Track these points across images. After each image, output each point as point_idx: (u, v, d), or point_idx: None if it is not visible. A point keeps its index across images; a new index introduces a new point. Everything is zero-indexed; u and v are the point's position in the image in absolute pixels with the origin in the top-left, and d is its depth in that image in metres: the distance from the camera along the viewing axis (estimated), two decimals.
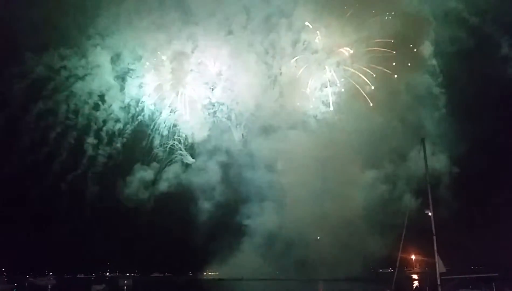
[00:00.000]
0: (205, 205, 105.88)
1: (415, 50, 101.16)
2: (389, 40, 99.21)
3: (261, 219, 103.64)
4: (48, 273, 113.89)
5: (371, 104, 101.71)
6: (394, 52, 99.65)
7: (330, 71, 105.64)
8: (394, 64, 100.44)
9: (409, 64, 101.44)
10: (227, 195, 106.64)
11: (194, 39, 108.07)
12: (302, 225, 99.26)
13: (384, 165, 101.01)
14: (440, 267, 39.08)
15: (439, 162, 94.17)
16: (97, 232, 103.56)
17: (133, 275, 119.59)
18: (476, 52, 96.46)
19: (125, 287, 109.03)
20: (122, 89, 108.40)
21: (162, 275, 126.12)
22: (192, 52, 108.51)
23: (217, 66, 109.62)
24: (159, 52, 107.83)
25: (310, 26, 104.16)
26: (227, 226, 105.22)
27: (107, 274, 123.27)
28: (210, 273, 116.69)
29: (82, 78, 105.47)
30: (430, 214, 41.50)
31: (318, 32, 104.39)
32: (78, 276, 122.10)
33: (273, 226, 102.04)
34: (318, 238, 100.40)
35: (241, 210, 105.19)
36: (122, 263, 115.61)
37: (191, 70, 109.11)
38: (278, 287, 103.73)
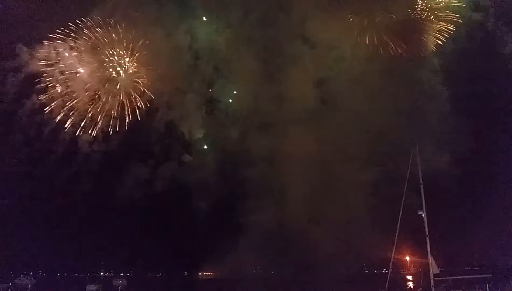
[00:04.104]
0: (201, 203, 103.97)
1: (417, 46, 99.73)
2: (391, 35, 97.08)
3: (258, 217, 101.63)
4: (37, 273, 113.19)
5: (372, 101, 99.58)
6: (397, 47, 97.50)
7: (330, 67, 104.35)
8: (396, 60, 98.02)
9: (411, 61, 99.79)
10: (224, 192, 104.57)
11: (191, 33, 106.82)
12: (300, 223, 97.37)
13: (385, 164, 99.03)
14: (433, 268, 37.51)
15: (440, 162, 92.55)
16: (92, 231, 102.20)
17: (128, 275, 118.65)
18: (480, 50, 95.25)
19: (119, 287, 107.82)
20: (118, 83, 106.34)
21: (157, 275, 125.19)
22: (189, 47, 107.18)
23: (215, 62, 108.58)
24: (156, 46, 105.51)
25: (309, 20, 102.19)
26: (223, 224, 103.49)
27: (101, 274, 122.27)
28: (206, 273, 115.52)
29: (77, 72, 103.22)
30: (423, 215, 39.89)
31: (315, 26, 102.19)
32: (72, 275, 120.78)
33: (271, 224, 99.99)
34: (317, 237, 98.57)
35: (238, 208, 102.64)
36: (117, 263, 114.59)
37: (188, 66, 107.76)
38: (275, 287, 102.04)
